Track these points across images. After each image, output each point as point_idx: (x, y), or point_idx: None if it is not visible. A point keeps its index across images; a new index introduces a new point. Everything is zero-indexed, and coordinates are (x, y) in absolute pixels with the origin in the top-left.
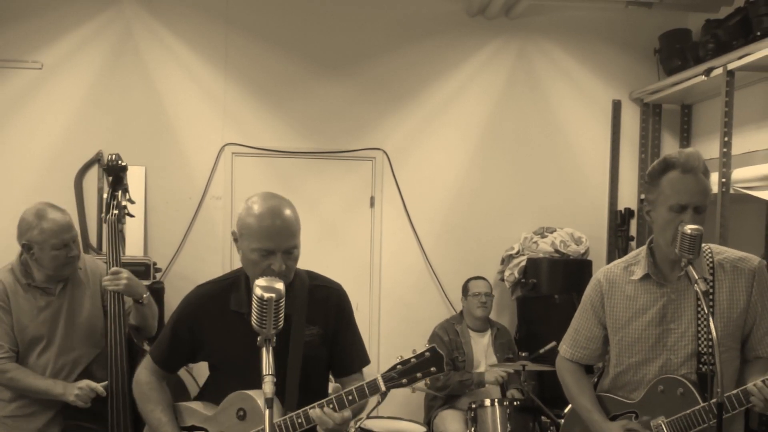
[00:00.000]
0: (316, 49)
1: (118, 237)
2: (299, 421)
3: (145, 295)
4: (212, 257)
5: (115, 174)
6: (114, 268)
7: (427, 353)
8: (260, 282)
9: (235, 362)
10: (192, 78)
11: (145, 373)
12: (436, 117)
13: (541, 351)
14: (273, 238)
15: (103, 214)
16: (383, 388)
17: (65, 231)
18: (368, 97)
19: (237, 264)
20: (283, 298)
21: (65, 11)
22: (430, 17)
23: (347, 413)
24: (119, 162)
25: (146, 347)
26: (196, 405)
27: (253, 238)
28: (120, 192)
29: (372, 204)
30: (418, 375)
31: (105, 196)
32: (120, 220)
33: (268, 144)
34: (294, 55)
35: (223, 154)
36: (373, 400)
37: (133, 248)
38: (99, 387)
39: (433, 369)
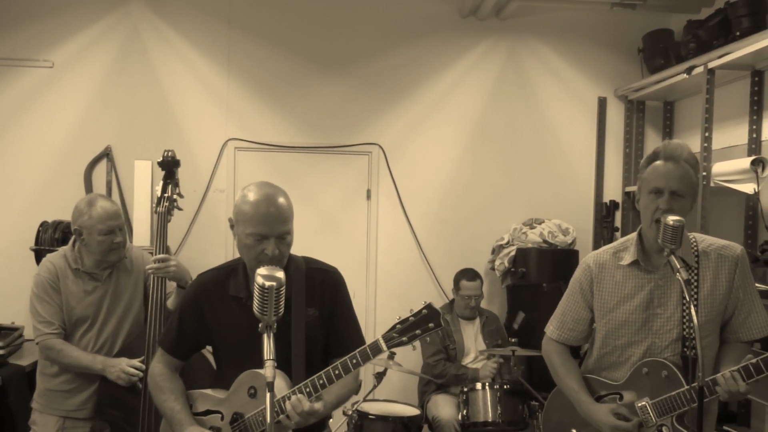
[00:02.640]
0: (315, 48)
1: (166, 228)
2: (321, 381)
3: (191, 281)
4: (215, 247)
5: (169, 169)
6: (161, 255)
7: (424, 311)
8: (261, 271)
9: (235, 345)
10: (196, 76)
11: (157, 366)
12: (429, 113)
13: (515, 326)
14: (267, 223)
15: (155, 206)
16: (385, 348)
17: (112, 218)
18: (365, 94)
19: (238, 254)
20: (284, 287)
21: (76, 12)
22: (424, 18)
23: (317, 405)
24: (174, 158)
25: None
26: (209, 391)
27: (248, 223)
28: (170, 186)
29: (368, 196)
30: (418, 332)
31: (157, 189)
32: (169, 212)
33: (269, 139)
34: (294, 55)
35: (226, 149)
36: (369, 383)
37: (141, 238)
38: (133, 371)
39: (431, 325)
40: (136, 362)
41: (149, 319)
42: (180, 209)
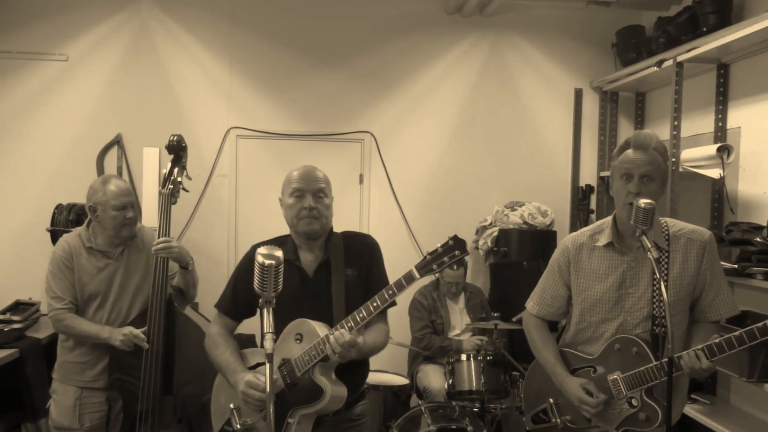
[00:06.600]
0: (312, 44)
1: (169, 208)
2: (361, 315)
3: (191, 262)
4: (219, 229)
5: (175, 153)
6: (164, 237)
7: (450, 242)
8: (261, 250)
9: (284, 301)
10: (201, 69)
11: (214, 327)
12: (418, 104)
13: (514, 319)
14: (304, 180)
15: (160, 188)
16: (417, 276)
17: (124, 195)
18: (358, 86)
19: (241, 235)
20: (282, 265)
21: (89, 9)
22: (412, 15)
23: (360, 339)
24: (180, 143)
25: (187, 312)
26: (258, 348)
27: (290, 186)
28: (177, 169)
29: (361, 181)
30: (446, 259)
31: (164, 172)
32: (174, 194)
33: (268, 128)
34: (292, 49)
35: (229, 137)
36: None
37: (149, 220)
38: (140, 334)
39: (457, 252)
40: (139, 332)
41: (151, 295)
42: (186, 191)
